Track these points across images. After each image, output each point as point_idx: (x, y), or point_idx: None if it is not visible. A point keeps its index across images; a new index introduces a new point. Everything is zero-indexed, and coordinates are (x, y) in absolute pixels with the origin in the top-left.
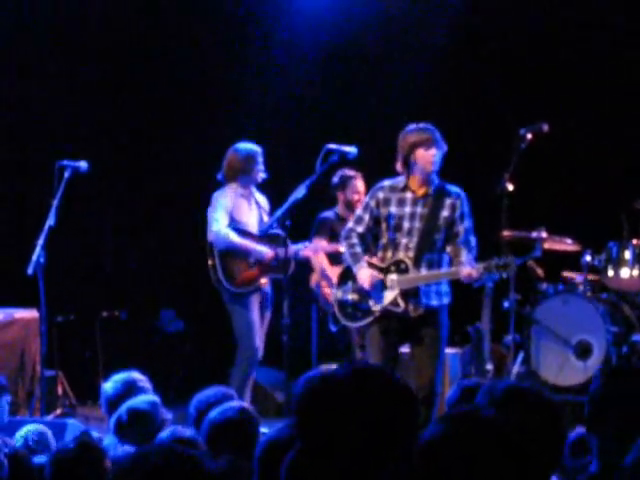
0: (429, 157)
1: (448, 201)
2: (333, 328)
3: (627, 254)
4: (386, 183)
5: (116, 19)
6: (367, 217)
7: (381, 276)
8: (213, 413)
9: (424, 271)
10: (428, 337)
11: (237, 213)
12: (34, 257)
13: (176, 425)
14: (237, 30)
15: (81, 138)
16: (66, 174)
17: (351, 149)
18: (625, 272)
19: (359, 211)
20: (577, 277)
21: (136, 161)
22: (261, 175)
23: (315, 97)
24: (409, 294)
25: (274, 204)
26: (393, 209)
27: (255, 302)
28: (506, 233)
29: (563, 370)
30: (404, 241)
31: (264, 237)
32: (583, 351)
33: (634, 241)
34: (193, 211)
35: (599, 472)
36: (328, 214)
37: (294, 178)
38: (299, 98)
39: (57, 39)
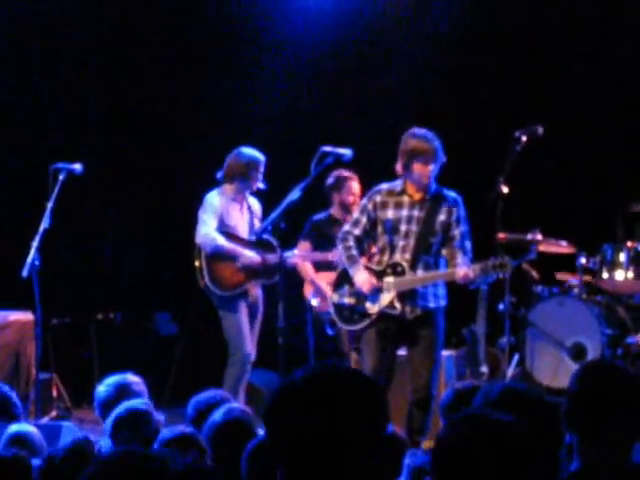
0: (426, 171)
1: (445, 206)
2: (330, 331)
3: (621, 256)
4: (384, 187)
5: (112, 19)
6: (364, 220)
7: (379, 283)
8: (217, 414)
9: (420, 273)
10: (424, 339)
11: (227, 217)
12: (29, 259)
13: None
14: (230, 32)
15: (76, 140)
16: (61, 176)
17: (346, 151)
18: (620, 274)
19: (356, 214)
20: (571, 279)
21: (132, 163)
22: (259, 184)
23: (310, 99)
24: (406, 296)
25: (268, 207)
26: (390, 212)
27: (243, 306)
28: (501, 235)
29: (558, 372)
30: (401, 244)
31: (254, 242)
32: (578, 353)
33: (628, 243)
34: (189, 214)
35: (579, 470)
36: (319, 217)
37: (288, 181)
38: (293, 100)
39: (54, 39)
